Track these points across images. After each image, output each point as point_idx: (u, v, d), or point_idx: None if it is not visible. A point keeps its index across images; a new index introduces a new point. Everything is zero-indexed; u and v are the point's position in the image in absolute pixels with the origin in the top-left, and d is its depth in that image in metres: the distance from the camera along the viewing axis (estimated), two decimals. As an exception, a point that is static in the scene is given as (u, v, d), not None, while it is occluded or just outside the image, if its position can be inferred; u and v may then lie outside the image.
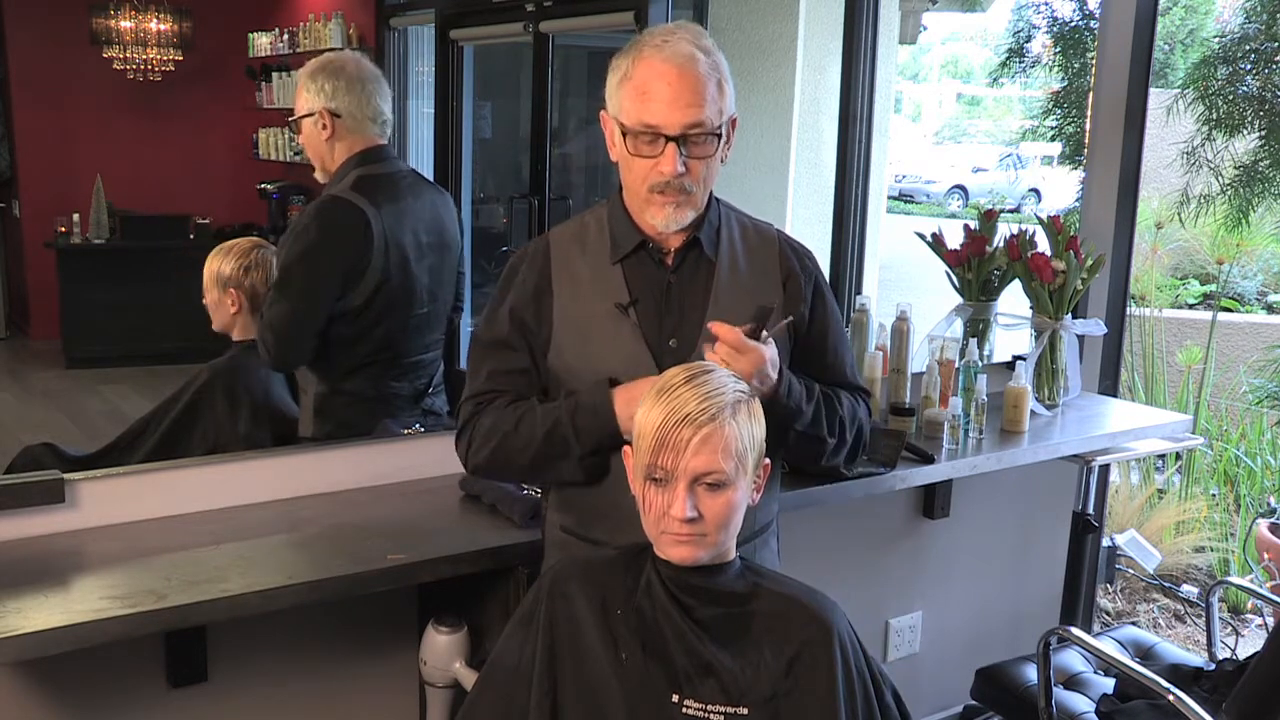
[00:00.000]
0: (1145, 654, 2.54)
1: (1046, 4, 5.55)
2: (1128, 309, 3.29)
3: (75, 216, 6.16)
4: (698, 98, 1.54)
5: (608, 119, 1.64)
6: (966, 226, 2.91)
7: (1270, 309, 6.88)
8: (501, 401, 1.66)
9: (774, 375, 1.55)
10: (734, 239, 1.70)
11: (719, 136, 1.58)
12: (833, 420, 1.68)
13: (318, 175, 2.45)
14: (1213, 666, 2.39)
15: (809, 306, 1.72)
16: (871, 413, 1.83)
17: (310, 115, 2.36)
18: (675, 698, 1.42)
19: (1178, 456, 4.71)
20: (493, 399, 1.67)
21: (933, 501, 2.87)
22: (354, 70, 2.37)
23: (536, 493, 2.02)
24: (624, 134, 1.58)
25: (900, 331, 2.69)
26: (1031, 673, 2.40)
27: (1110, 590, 4.14)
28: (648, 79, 1.55)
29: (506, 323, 1.68)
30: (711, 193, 1.68)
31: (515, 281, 1.69)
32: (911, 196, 16.22)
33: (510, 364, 1.67)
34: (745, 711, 1.42)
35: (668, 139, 1.54)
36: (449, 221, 2.53)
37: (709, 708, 1.42)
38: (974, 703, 2.62)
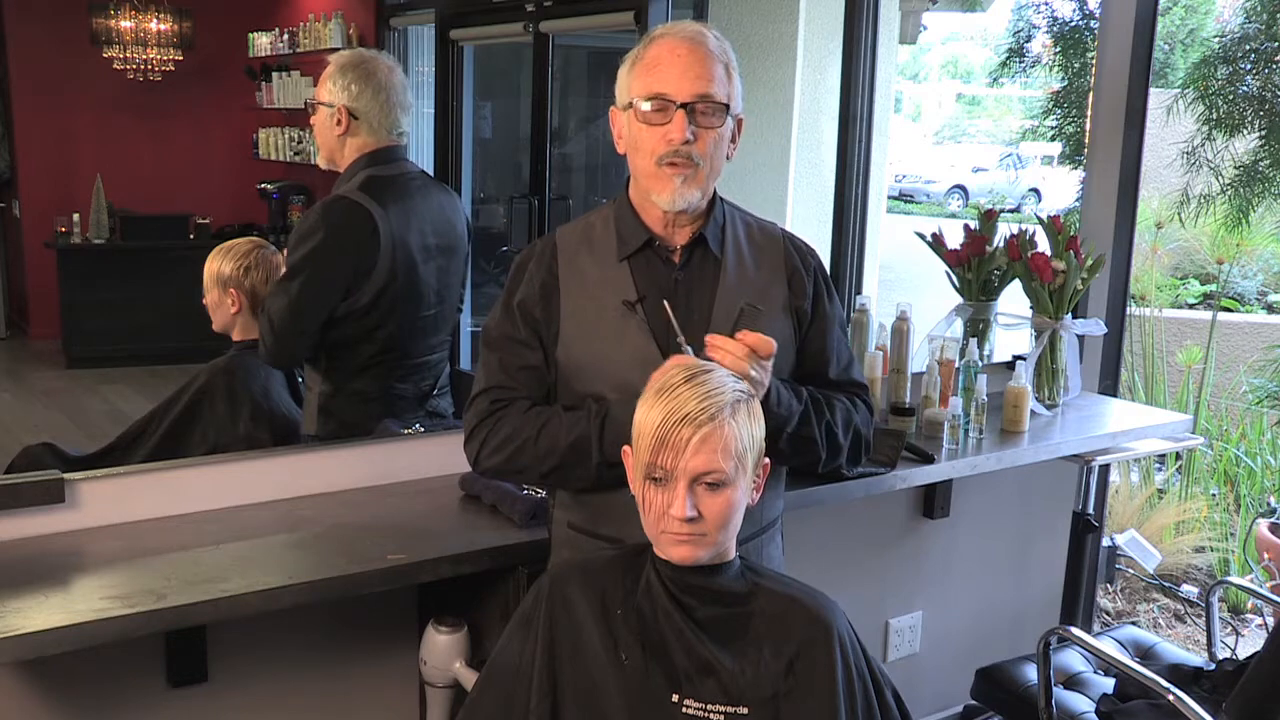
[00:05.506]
0: (1145, 654, 2.54)
1: (1046, 4, 5.55)
2: (1128, 309, 3.29)
3: (75, 216, 6.16)
4: (707, 71, 1.58)
5: (616, 112, 1.66)
6: (966, 226, 2.91)
7: (1270, 309, 6.88)
8: (520, 405, 1.66)
9: (767, 366, 1.55)
10: (739, 237, 1.72)
11: (727, 110, 1.60)
12: (821, 424, 1.68)
13: (320, 161, 2.47)
14: (1213, 666, 2.39)
15: (811, 303, 1.73)
16: (872, 411, 1.83)
17: (329, 106, 2.37)
18: (675, 698, 1.42)
19: (1178, 456, 4.71)
20: (508, 400, 1.66)
21: (933, 501, 2.87)
22: (383, 78, 2.38)
23: (537, 493, 2.02)
24: (632, 107, 1.60)
25: (900, 331, 2.69)
26: (1031, 673, 2.40)
27: (1110, 590, 4.14)
28: (658, 54, 1.59)
29: (517, 318, 1.68)
30: (716, 191, 1.69)
31: (524, 279, 1.69)
32: (911, 196, 16.22)
33: (522, 360, 1.67)
34: (745, 711, 1.42)
35: (677, 106, 1.57)
36: (458, 224, 2.53)
37: (709, 708, 1.42)
38: (974, 703, 2.62)
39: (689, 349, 1.54)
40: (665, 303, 1.58)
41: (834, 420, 1.70)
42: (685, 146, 1.57)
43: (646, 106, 1.58)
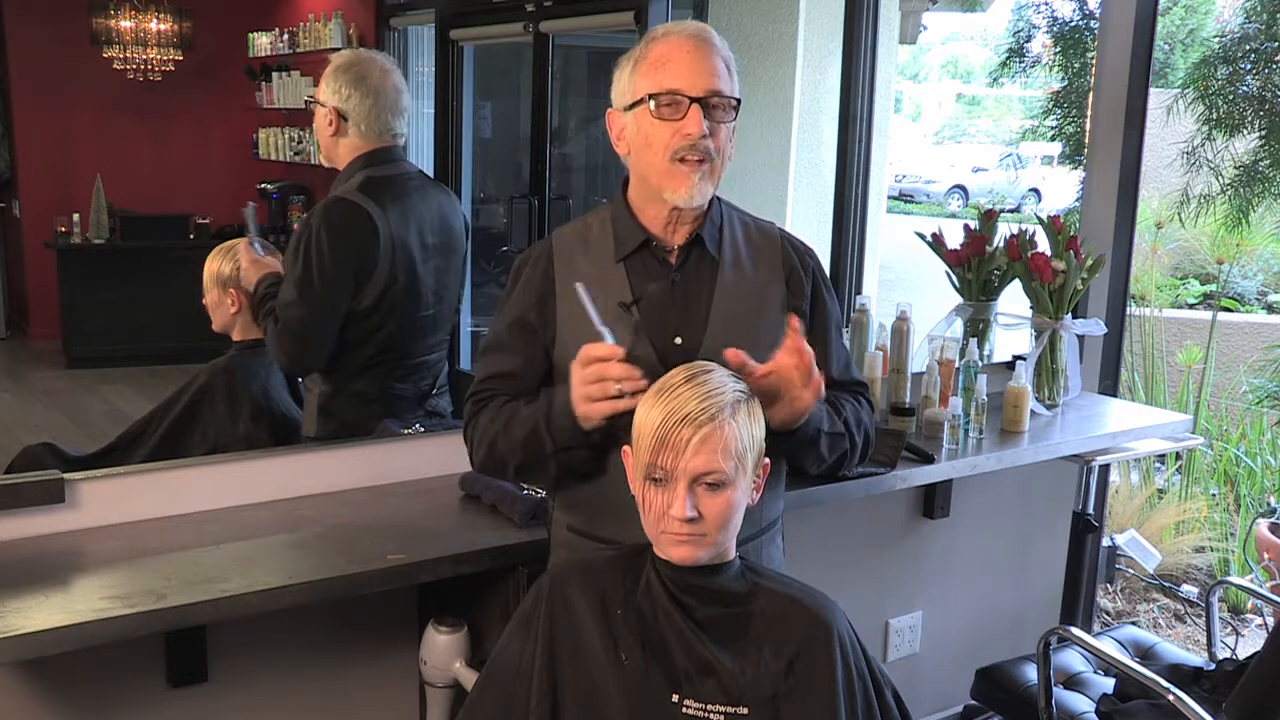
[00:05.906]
0: (1145, 654, 2.54)
1: (1046, 4, 5.55)
2: (1128, 309, 3.29)
3: (75, 216, 6.16)
4: (716, 68, 1.58)
5: (615, 114, 1.65)
6: (966, 226, 2.91)
7: (1270, 309, 6.88)
8: (496, 403, 1.68)
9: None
10: (736, 237, 1.71)
11: (736, 110, 1.60)
12: (841, 421, 1.69)
13: (322, 159, 2.49)
14: (1213, 666, 2.39)
15: (809, 303, 1.74)
16: (873, 408, 1.83)
17: (324, 106, 2.38)
18: (675, 698, 1.42)
19: (1178, 456, 4.71)
20: (490, 399, 1.68)
21: (933, 501, 2.87)
22: (375, 83, 2.37)
23: (537, 493, 2.02)
24: (638, 105, 1.59)
25: (900, 331, 2.69)
26: (1031, 673, 2.40)
27: (1110, 590, 4.14)
28: (666, 52, 1.59)
29: (505, 325, 1.70)
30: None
31: (519, 284, 1.71)
32: (911, 196, 16.23)
33: (500, 366, 1.69)
34: (745, 711, 1.42)
35: (691, 101, 1.56)
36: (455, 223, 2.53)
37: (709, 708, 1.42)
38: (974, 703, 2.62)
39: (608, 334, 1.52)
40: (578, 286, 1.54)
41: (849, 418, 1.71)
42: (703, 140, 1.57)
43: (657, 103, 1.57)
